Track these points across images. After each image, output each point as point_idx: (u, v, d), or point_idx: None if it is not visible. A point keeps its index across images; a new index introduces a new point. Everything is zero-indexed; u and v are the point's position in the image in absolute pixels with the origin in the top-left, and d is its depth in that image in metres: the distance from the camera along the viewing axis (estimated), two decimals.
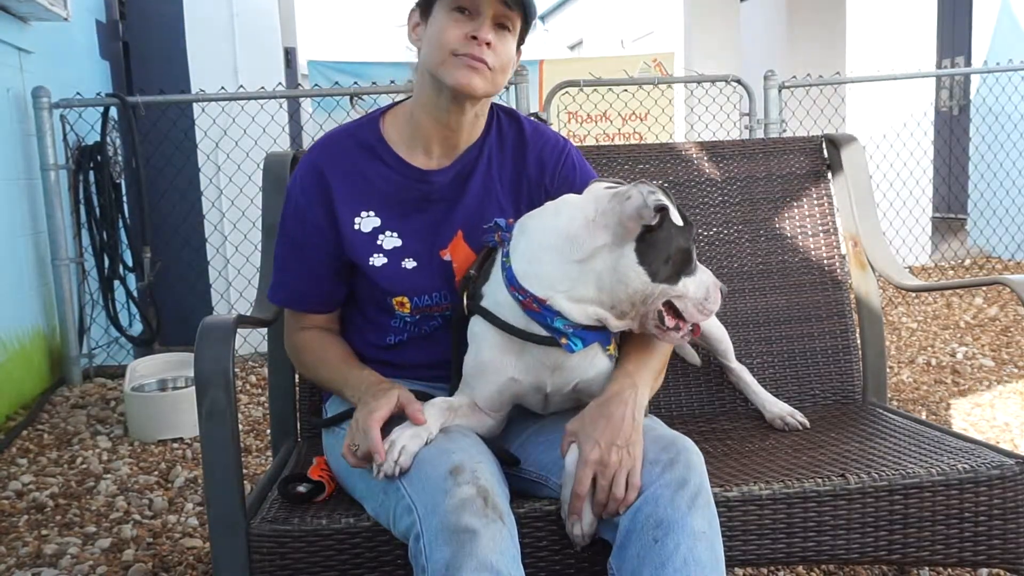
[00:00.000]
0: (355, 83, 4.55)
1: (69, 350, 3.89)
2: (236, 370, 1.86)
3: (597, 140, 6.10)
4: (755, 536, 1.36)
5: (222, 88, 4.12)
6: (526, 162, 1.52)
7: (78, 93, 4.01)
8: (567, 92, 4.66)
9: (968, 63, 7.51)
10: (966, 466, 1.41)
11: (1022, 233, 6.06)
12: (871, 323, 1.98)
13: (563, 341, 1.29)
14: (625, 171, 1.97)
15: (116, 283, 4.14)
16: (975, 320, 4.50)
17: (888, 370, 2.34)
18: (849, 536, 1.39)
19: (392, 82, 4.39)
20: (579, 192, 1.42)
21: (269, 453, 2.74)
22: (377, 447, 1.24)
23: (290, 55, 5.96)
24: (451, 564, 1.12)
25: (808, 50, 8.81)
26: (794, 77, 4.82)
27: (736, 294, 1.94)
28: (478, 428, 1.38)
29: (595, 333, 1.32)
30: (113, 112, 4.07)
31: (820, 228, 2.00)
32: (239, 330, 1.40)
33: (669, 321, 1.33)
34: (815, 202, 2.01)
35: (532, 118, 1.61)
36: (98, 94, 4.20)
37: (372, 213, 1.48)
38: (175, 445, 3.03)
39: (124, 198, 4.26)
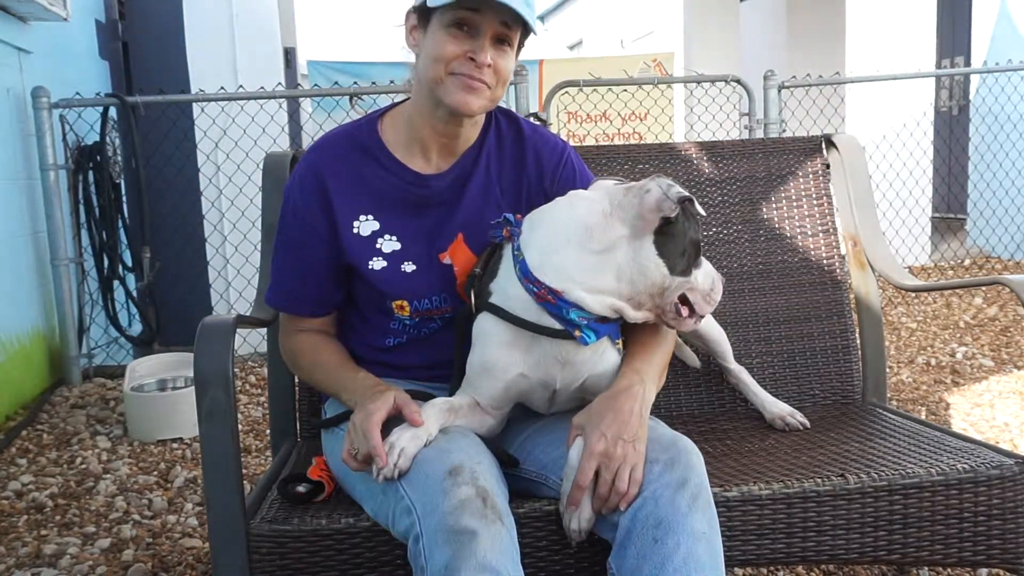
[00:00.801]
0: (355, 83, 4.55)
1: (69, 350, 3.89)
2: (236, 370, 1.85)
3: (597, 140, 6.10)
4: (755, 536, 1.37)
5: (222, 88, 4.12)
6: (525, 164, 1.52)
7: (77, 93, 4.00)
8: (567, 92, 4.65)
9: (967, 63, 7.52)
10: (966, 466, 1.41)
11: (1021, 233, 6.06)
12: (871, 323, 1.98)
13: (576, 333, 1.29)
14: (625, 171, 1.97)
15: (116, 283, 4.14)
16: (975, 320, 4.50)
17: (888, 370, 2.34)
18: (849, 536, 1.39)
19: (392, 82, 4.39)
20: None
21: (269, 453, 2.73)
22: (378, 450, 1.24)
23: (290, 55, 5.97)
24: (450, 565, 1.12)
25: (808, 50, 8.81)
26: (794, 77, 4.82)
27: (736, 294, 1.93)
28: (478, 428, 1.37)
29: (607, 326, 1.33)
30: (113, 112, 4.07)
31: (820, 228, 2.00)
32: (239, 330, 1.40)
33: (684, 311, 1.35)
34: (815, 202, 2.01)
35: (532, 118, 1.60)
36: (97, 94, 4.20)
37: (371, 216, 1.47)
38: (175, 445, 3.03)
39: (124, 198, 4.26)
